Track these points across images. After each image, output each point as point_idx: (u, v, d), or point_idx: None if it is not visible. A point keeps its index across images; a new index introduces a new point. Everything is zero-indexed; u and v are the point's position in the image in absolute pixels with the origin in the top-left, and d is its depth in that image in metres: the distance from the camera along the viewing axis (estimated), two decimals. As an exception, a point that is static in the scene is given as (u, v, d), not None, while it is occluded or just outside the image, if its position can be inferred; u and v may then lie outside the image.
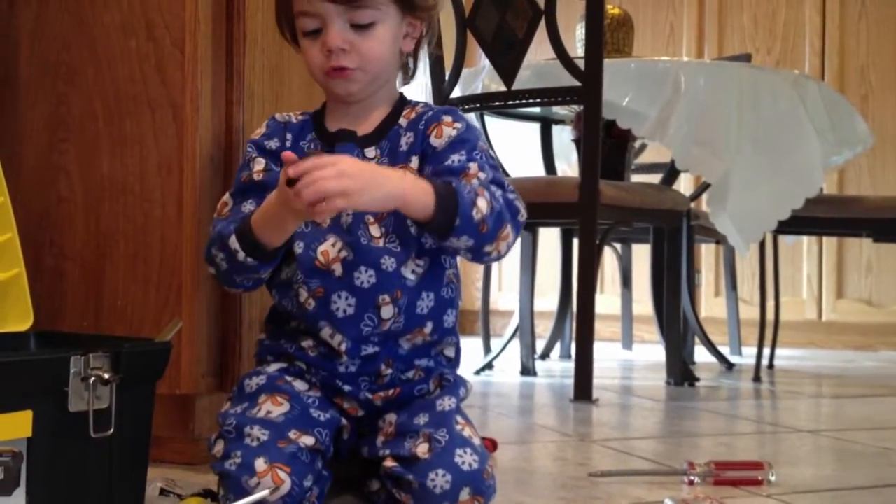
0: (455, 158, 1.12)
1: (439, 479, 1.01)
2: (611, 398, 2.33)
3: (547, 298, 3.45)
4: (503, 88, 2.39)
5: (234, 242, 1.11)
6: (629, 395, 2.43)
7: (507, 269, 4.22)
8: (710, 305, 4.01)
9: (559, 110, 2.92)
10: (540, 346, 3.12)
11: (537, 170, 3.12)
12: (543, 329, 3.32)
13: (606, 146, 2.58)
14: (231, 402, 1.13)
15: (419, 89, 2.65)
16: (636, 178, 3.07)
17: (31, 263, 1.30)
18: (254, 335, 1.40)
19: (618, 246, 3.48)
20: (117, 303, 1.38)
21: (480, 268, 3.35)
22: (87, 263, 1.41)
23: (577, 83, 2.27)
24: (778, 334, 2.95)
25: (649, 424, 1.99)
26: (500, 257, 1.13)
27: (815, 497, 1.30)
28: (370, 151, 1.17)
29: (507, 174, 2.90)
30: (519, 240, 2.82)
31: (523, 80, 2.43)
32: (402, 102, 1.21)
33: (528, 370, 2.74)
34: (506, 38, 2.35)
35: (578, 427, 1.91)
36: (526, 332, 2.78)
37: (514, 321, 2.88)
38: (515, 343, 2.84)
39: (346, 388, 1.14)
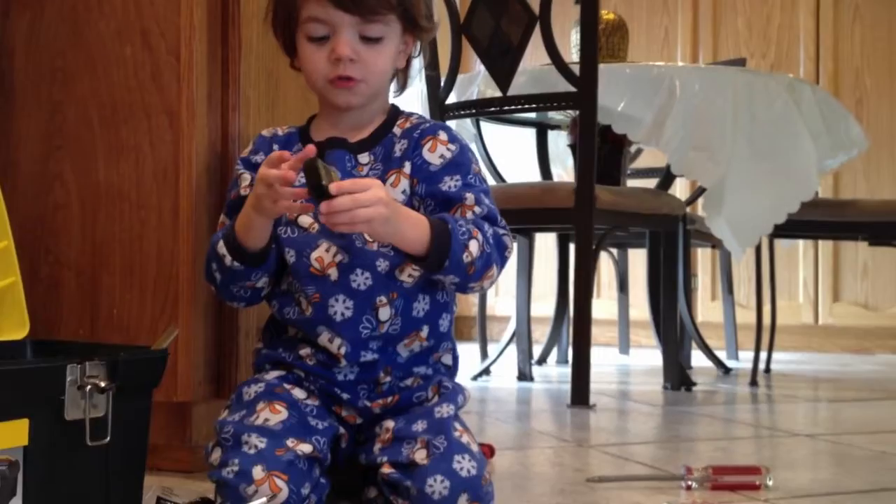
0: (451, 184, 1.14)
1: (437, 485, 1.00)
2: (608, 403, 2.33)
3: (544, 303, 3.45)
4: (499, 94, 2.39)
5: (221, 248, 1.13)
6: (626, 400, 2.43)
7: (504, 275, 4.19)
8: (707, 310, 4.02)
9: (555, 115, 2.92)
10: (537, 351, 3.12)
11: (533, 175, 3.12)
12: (540, 334, 3.32)
13: (602, 151, 2.58)
14: (229, 410, 1.13)
15: (414, 95, 2.65)
16: (632, 182, 3.07)
17: (26, 271, 1.30)
18: (250, 342, 1.40)
19: (614, 251, 3.48)
20: (113, 311, 1.38)
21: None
22: (83, 271, 1.41)
23: (572, 88, 2.27)
24: (774, 338, 2.95)
25: (647, 429, 1.99)
26: (483, 291, 1.19)
27: (813, 501, 1.30)
28: (364, 157, 1.17)
29: (502, 180, 2.91)
30: (515, 245, 2.83)
31: (519, 86, 2.43)
32: (396, 112, 1.22)
33: (525, 375, 2.74)
34: (501, 43, 2.35)
35: (576, 432, 1.91)
36: (523, 337, 2.78)
37: (511, 326, 2.88)
38: (512, 348, 2.84)
39: (345, 395, 1.14)
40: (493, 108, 2.50)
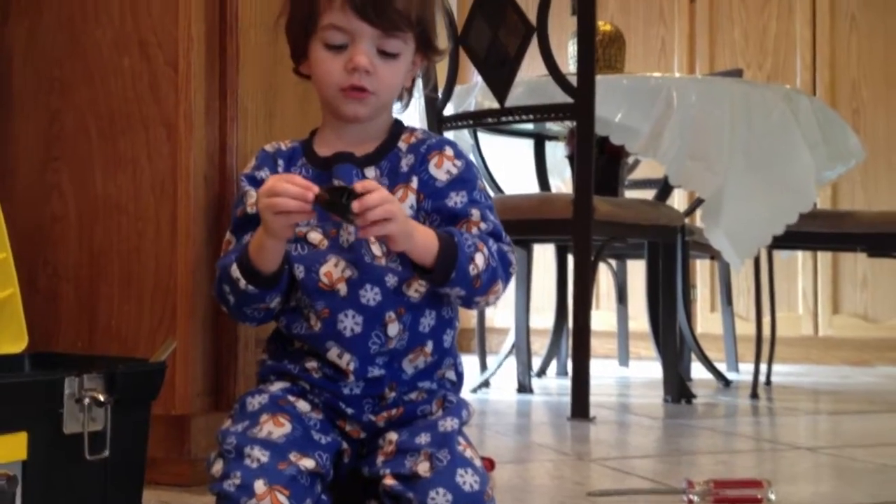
0: (457, 200, 1.14)
1: (440, 499, 1.00)
2: (608, 416, 2.31)
3: (542, 315, 3.44)
4: (496, 105, 2.39)
5: (235, 271, 1.11)
6: (626, 413, 2.42)
7: (502, 286, 4.21)
8: (706, 321, 4.01)
9: (552, 126, 2.92)
10: (536, 363, 3.11)
11: (531, 186, 3.12)
12: (539, 346, 3.31)
13: (600, 162, 2.58)
14: (232, 420, 1.12)
15: (412, 107, 2.66)
16: (630, 193, 3.07)
17: (24, 283, 1.29)
18: (249, 353, 1.39)
19: (613, 262, 3.48)
20: (111, 323, 1.37)
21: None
22: (81, 283, 1.40)
23: (569, 99, 2.27)
24: (774, 350, 2.95)
25: (647, 442, 1.98)
26: (487, 306, 1.18)
27: (817, 513, 1.29)
28: (370, 171, 1.17)
29: (500, 191, 2.90)
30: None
31: (516, 97, 2.43)
32: (400, 127, 1.22)
33: (524, 388, 2.73)
34: (498, 54, 2.36)
35: (576, 445, 1.90)
36: (522, 349, 2.77)
37: (510, 338, 2.87)
38: (511, 360, 2.83)
39: (349, 410, 1.13)
40: (490, 120, 2.50)
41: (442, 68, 2.49)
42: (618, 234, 2.44)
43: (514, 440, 1.97)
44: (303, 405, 1.12)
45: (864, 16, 3.92)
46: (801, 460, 1.74)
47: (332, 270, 1.12)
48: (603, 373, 3.38)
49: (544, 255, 3.51)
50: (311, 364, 1.14)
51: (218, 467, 1.05)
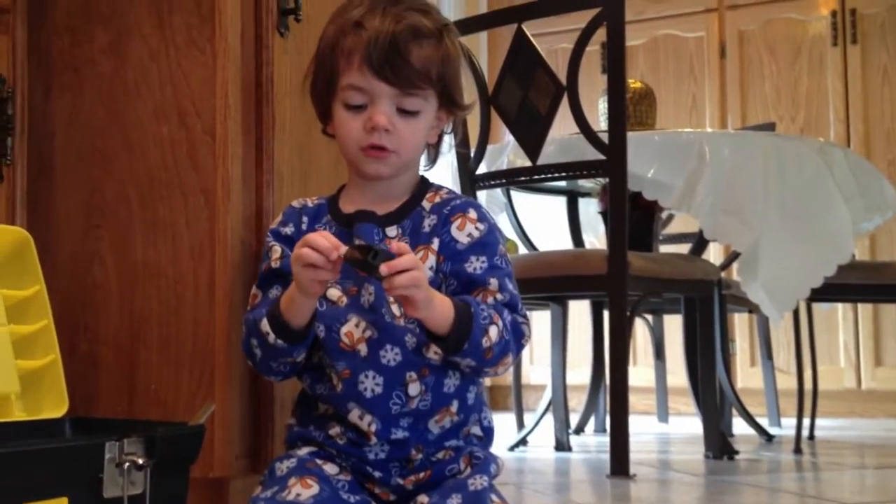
0: (477, 266, 1.14)
1: (477, 560, 0.99)
2: (649, 473, 2.28)
3: (579, 371, 3.41)
4: (528, 163, 2.41)
5: (265, 325, 1.13)
6: (667, 470, 2.39)
7: (538, 343, 4.19)
8: (746, 376, 3.96)
9: (585, 183, 2.93)
10: (574, 420, 3.08)
11: (565, 243, 3.12)
12: (577, 402, 3.28)
13: (633, 217, 2.58)
14: (262, 487, 1.12)
15: (444, 167, 2.68)
16: (665, 248, 3.06)
17: (65, 348, 1.31)
18: (286, 414, 1.40)
19: (649, 317, 3.46)
20: (151, 387, 1.39)
21: (511, 343, 3.33)
22: (122, 348, 1.42)
23: (601, 156, 2.28)
24: (817, 404, 2.90)
25: (690, 500, 1.95)
26: (494, 376, 1.18)
27: (865, 572, 1.26)
28: (391, 230, 1.17)
29: (534, 248, 2.91)
30: (549, 313, 2.82)
31: (548, 155, 2.45)
32: (425, 185, 1.22)
33: (562, 445, 2.70)
34: (529, 114, 2.38)
35: None
36: (559, 406, 2.75)
37: (547, 395, 2.85)
38: (549, 418, 2.80)
39: (377, 474, 1.13)
40: (523, 178, 2.51)
41: (473, 127, 2.52)
42: (653, 289, 2.43)
43: (552, 499, 1.95)
44: (330, 468, 1.13)
45: (896, 67, 3.92)
46: (847, 517, 1.70)
47: (353, 331, 1.12)
48: (642, 429, 3.33)
49: (580, 311, 3.49)
50: (335, 430, 1.14)
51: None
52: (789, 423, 3.00)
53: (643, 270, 2.34)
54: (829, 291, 2.59)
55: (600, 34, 2.29)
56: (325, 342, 1.14)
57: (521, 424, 2.94)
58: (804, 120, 4.06)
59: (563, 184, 2.99)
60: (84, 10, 1.49)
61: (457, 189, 2.36)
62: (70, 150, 1.50)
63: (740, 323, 4.02)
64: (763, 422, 3.13)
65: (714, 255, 3.75)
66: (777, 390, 3.37)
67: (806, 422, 2.81)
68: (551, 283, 2.40)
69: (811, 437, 2.93)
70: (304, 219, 1.22)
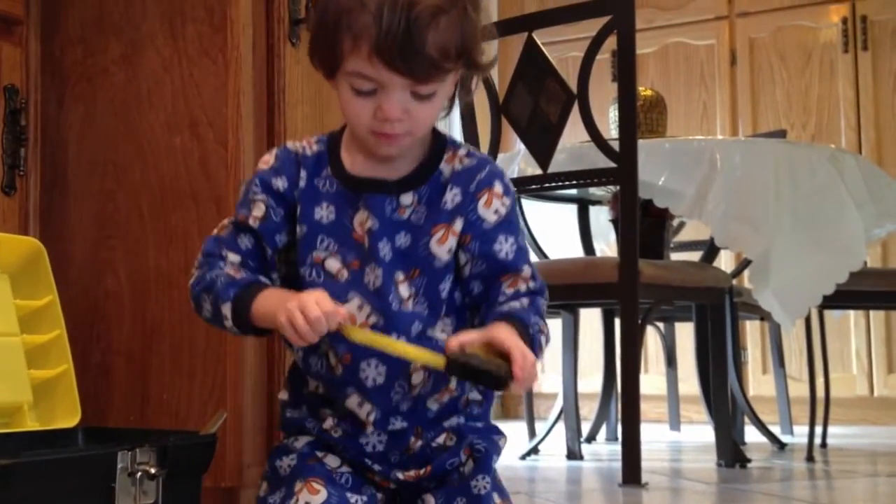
0: (507, 248, 1.09)
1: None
2: (661, 482, 2.27)
3: (590, 379, 3.40)
4: (539, 172, 2.41)
5: (226, 309, 1.04)
6: (679, 478, 2.38)
7: (549, 351, 4.16)
8: (758, 383, 3.94)
9: (596, 191, 2.93)
10: (585, 428, 3.07)
11: (576, 251, 3.12)
12: (588, 411, 3.27)
13: (644, 225, 2.57)
14: (268, 487, 1.09)
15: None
16: (676, 256, 3.05)
17: (78, 358, 1.32)
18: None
19: (660, 325, 3.45)
20: (163, 396, 1.39)
21: (522, 351, 3.32)
22: (134, 357, 1.43)
23: (612, 164, 2.28)
24: (829, 411, 2.88)
25: (701, 508, 1.94)
26: None
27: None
28: (406, 198, 1.08)
29: (545, 256, 2.91)
30: (560, 321, 2.82)
31: (559, 163, 2.45)
32: (441, 143, 1.11)
33: (574, 454, 2.69)
34: (540, 122, 2.38)
35: (628, 512, 1.87)
36: (571, 414, 2.74)
37: (558, 404, 2.85)
38: (560, 426, 2.80)
39: (377, 467, 1.09)
40: (534, 186, 2.51)
41: (484, 136, 2.52)
42: (664, 297, 2.43)
43: (564, 508, 1.94)
44: (331, 460, 1.08)
45: (907, 73, 3.90)
46: (860, 526, 1.69)
47: (357, 314, 1.05)
48: (654, 437, 3.32)
49: (591, 319, 3.49)
50: (329, 422, 1.08)
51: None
52: (801, 430, 2.98)
53: (654, 278, 2.33)
54: (840, 298, 2.58)
55: (611, 42, 2.30)
56: None
57: (532, 433, 2.94)
58: (815, 127, 4.05)
59: (573, 192, 2.99)
60: (97, 22, 1.50)
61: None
62: (83, 161, 1.50)
63: (752, 330, 4.00)
64: (775, 429, 3.11)
65: (725, 262, 3.74)
66: (789, 398, 3.36)
67: (818, 429, 2.80)
68: (562, 291, 2.40)
69: (823, 444, 2.91)
70: (303, 173, 1.08)
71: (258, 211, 1.07)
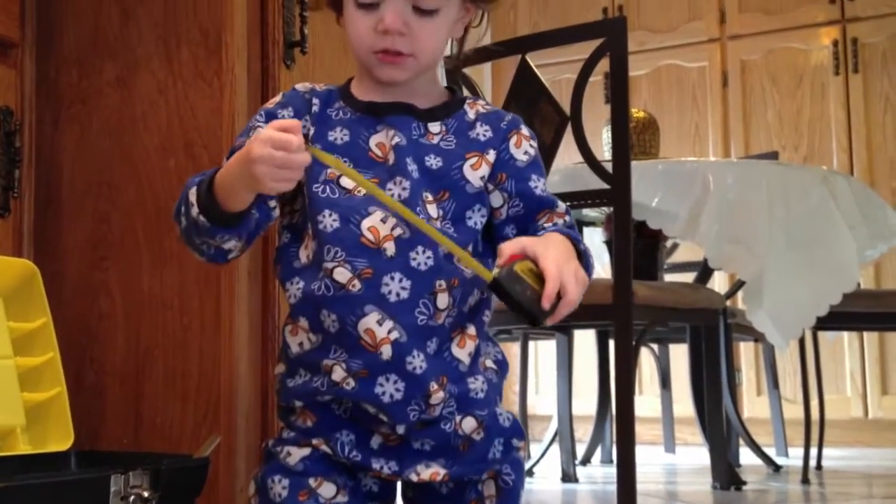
0: (540, 186, 1.07)
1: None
2: (655, 504, 2.27)
3: (585, 401, 3.40)
4: (533, 193, 2.41)
5: (192, 195, 0.99)
6: (675, 501, 2.37)
7: (544, 373, 4.18)
8: (753, 405, 3.93)
9: (589, 213, 2.94)
10: (580, 450, 3.06)
11: (570, 272, 3.11)
12: (583, 433, 3.26)
13: (638, 247, 2.58)
14: None
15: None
16: (669, 277, 3.05)
17: (72, 380, 1.31)
18: (292, 448, 1.39)
19: (655, 346, 3.45)
20: (156, 419, 1.39)
21: (516, 371, 3.33)
22: (127, 379, 1.42)
23: (605, 186, 2.29)
24: (824, 433, 2.88)
25: (697, 531, 1.93)
26: None
27: None
28: (434, 126, 1.06)
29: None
30: (555, 342, 2.81)
31: (552, 185, 2.43)
32: (459, 93, 1.12)
33: (569, 476, 2.68)
34: (534, 144, 2.39)
35: (624, 535, 1.86)
36: (565, 436, 2.74)
37: (553, 426, 2.84)
38: (555, 448, 2.79)
39: (391, 421, 0.99)
40: (528, 208, 2.51)
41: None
42: (659, 318, 2.43)
43: (559, 531, 1.93)
44: (327, 489, 1.02)
45: (898, 95, 3.93)
46: (856, 549, 1.68)
47: (379, 226, 0.99)
48: (649, 460, 3.31)
49: (585, 340, 3.48)
50: (338, 372, 0.99)
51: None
52: (796, 452, 2.98)
53: (648, 299, 2.33)
54: (834, 320, 2.59)
55: (604, 65, 2.31)
56: (340, 235, 0.99)
57: (527, 455, 2.93)
58: (807, 149, 4.07)
59: (567, 213, 2.99)
60: (92, 43, 1.50)
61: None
62: (77, 182, 1.50)
63: (746, 352, 4.00)
64: (770, 451, 3.11)
65: (719, 283, 3.74)
66: (784, 420, 3.35)
67: (813, 451, 2.79)
68: (556, 312, 2.39)
69: (819, 466, 2.91)
70: (315, 101, 1.06)
71: None
